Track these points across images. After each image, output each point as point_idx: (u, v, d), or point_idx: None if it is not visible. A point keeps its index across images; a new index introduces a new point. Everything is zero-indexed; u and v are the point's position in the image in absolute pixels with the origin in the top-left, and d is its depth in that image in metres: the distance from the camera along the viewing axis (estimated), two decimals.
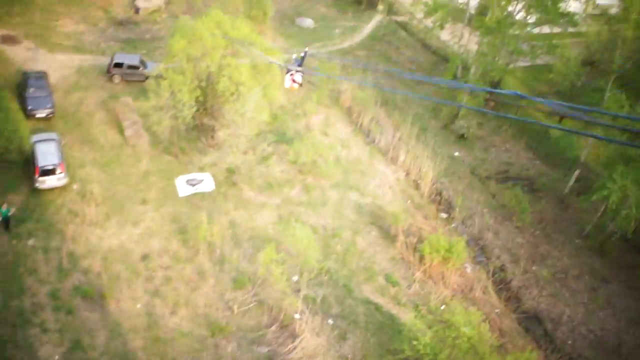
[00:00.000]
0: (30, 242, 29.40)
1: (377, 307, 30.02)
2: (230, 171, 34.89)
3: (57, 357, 24.78)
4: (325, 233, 33.04)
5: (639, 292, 35.51)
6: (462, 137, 44.22)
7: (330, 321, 28.55)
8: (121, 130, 35.93)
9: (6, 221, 29.41)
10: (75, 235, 29.91)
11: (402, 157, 40.06)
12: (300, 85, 26.78)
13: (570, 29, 49.84)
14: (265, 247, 29.26)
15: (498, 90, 39.77)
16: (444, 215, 37.48)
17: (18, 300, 26.65)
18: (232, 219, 32.20)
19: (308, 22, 55.32)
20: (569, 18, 44.94)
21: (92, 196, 31.46)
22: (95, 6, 48.38)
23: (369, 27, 57.38)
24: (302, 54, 32.74)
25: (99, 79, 40.02)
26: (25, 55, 40.54)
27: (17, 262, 28.25)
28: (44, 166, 31.18)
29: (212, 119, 36.42)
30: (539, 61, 48.66)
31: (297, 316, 27.84)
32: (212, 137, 36.38)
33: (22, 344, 24.96)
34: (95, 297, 27.21)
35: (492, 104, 48.77)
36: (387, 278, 31.67)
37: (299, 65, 29.46)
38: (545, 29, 47.84)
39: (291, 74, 25.67)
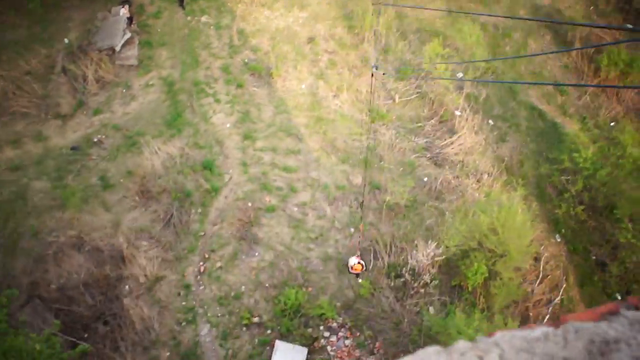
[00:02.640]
0: (204, 18, 32.30)
1: (541, 114, 30.61)
2: None
3: (228, 125, 28.24)
4: (496, 32, 33.18)
5: None
6: None
7: (491, 122, 29.69)
8: None
9: None
10: (245, 14, 32.39)
11: None
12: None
13: None
14: (431, 41, 30.39)
15: None
16: (629, 26, 36.03)
17: (193, 72, 29.98)
18: (399, 9, 33.00)
19: None
20: None
21: None
22: None
23: None
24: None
25: None
26: None
27: (192, 37, 31.36)
28: None
29: None
30: None
31: (457, 113, 29.18)
32: None
33: (198, 111, 28.56)
34: (263, 74, 29.95)
35: None
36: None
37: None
38: None
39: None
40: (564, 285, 24.63)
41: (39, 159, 26.69)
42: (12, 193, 25.54)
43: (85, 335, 21.91)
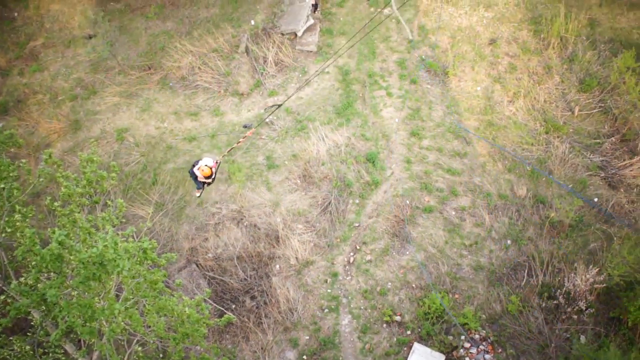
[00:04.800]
0: (386, 11, 32.43)
1: None
2: None
3: (397, 120, 28.19)
4: None
5: None
6: None
7: None
8: None
9: None
10: (428, 10, 32.09)
11: None
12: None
13: None
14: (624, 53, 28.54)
15: None
16: None
17: (369, 63, 30.25)
18: (593, 16, 31.20)
19: None
20: None
21: None
22: None
23: None
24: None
25: None
26: None
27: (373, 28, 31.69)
28: None
29: None
30: None
31: None
32: None
33: (369, 103, 28.74)
34: (438, 72, 29.58)
35: None
36: None
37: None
38: None
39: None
40: None
41: (213, 132, 28.28)
42: (186, 162, 27.27)
43: (233, 307, 23.02)
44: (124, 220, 18.34)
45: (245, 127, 28.30)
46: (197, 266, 23.90)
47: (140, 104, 29.64)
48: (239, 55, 30.58)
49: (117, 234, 13.66)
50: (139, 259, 14.53)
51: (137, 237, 18.96)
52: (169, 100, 29.73)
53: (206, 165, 19.90)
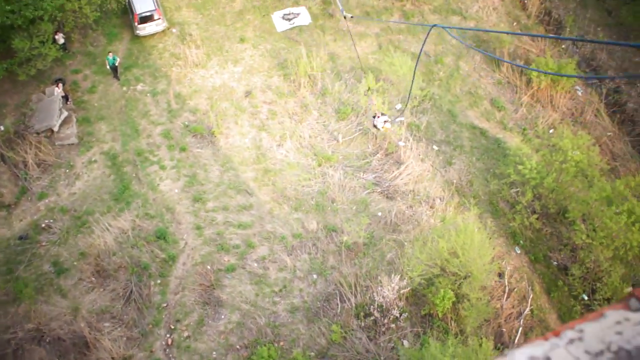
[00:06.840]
0: (139, 87, 31.82)
1: (483, 132, 30.69)
2: (326, 2, 35.37)
3: (176, 190, 27.61)
4: (428, 60, 33.43)
5: None
6: None
7: (435, 147, 29.65)
8: None
9: (114, 69, 31.82)
10: (180, 77, 32.04)
11: None
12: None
13: None
14: (365, 77, 30.48)
15: None
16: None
17: (135, 142, 29.35)
18: (332, 51, 33.07)
19: None
20: None
21: (192, 38, 33.11)
22: None
23: None
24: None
25: None
26: None
27: (130, 107, 30.81)
28: (142, 13, 32.78)
29: None
30: None
31: (401, 144, 29.09)
32: None
33: (144, 180, 27.87)
34: (204, 134, 29.49)
35: None
36: (493, 102, 31.93)
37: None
38: None
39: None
40: (531, 296, 24.59)
41: None
42: None
43: None
44: None
45: (20, 238, 26.02)
46: None
47: None
48: None
49: None
50: None
51: None
52: None
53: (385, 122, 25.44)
